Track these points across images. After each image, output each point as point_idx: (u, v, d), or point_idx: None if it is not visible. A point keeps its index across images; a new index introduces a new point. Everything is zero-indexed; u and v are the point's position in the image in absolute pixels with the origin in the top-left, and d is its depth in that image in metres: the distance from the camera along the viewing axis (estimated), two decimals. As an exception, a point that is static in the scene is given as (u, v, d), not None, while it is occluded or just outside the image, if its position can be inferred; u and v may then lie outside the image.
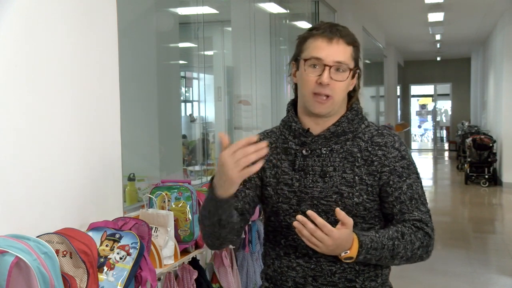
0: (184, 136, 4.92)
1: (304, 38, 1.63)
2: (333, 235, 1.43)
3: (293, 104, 1.71)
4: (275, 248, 1.68)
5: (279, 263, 1.66)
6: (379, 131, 1.65)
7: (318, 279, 1.60)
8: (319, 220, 1.43)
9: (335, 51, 1.57)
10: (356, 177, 1.59)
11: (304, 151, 1.63)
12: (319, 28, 1.61)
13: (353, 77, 1.63)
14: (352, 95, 1.68)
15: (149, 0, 3.89)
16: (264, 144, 1.40)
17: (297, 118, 1.66)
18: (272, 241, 1.70)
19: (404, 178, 1.60)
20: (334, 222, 1.53)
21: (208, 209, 1.53)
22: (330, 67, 1.56)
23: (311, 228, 1.43)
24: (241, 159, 1.39)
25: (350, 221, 1.45)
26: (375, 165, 1.60)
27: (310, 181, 1.60)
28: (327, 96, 1.57)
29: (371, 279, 1.62)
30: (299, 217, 1.44)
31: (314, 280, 1.60)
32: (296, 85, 1.68)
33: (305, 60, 1.60)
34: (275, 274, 1.67)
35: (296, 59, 1.65)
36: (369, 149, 1.61)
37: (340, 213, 1.45)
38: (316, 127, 1.64)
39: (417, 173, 1.65)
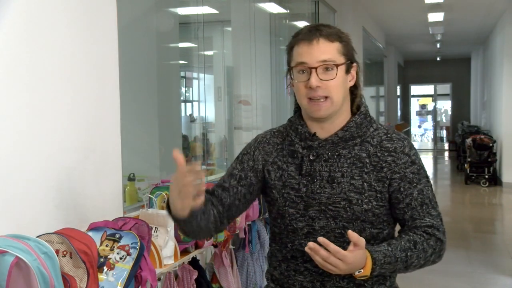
0: (185, 137, 4.91)
1: (290, 47, 1.61)
2: (347, 260, 1.42)
3: (299, 106, 1.69)
4: (282, 250, 1.66)
5: (285, 266, 1.64)
6: (388, 135, 1.62)
7: (327, 284, 1.58)
8: (332, 247, 1.42)
9: (317, 52, 1.54)
10: (365, 184, 1.56)
11: (311, 156, 1.60)
12: (300, 33, 1.59)
13: (347, 71, 1.59)
14: (355, 93, 1.65)
15: (149, 0, 3.89)
16: (198, 166, 1.40)
17: (303, 122, 1.64)
18: (278, 243, 1.68)
19: (415, 184, 1.58)
20: (342, 227, 1.54)
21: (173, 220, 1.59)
22: (316, 68, 1.53)
23: (324, 255, 1.42)
24: (183, 189, 1.42)
25: (363, 241, 1.44)
26: (385, 171, 1.57)
27: (317, 186, 1.58)
28: (326, 97, 1.55)
29: (379, 282, 1.62)
30: (311, 244, 1.43)
31: (322, 285, 1.59)
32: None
33: (292, 68, 1.59)
34: (281, 277, 1.66)
35: (288, 69, 1.63)
36: (378, 154, 1.58)
37: (353, 235, 1.43)
38: (322, 131, 1.61)
39: (427, 177, 1.63)
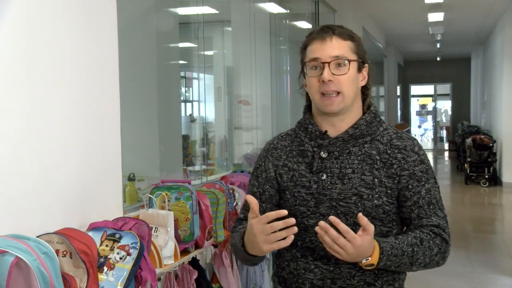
0: (185, 137, 4.91)
1: (303, 46, 1.66)
2: (355, 242, 1.42)
3: (309, 106, 1.72)
4: (291, 250, 1.66)
5: (295, 265, 1.65)
6: (398, 134, 1.65)
7: (337, 281, 1.59)
8: (342, 226, 1.42)
9: (329, 48, 1.59)
10: (376, 179, 1.58)
11: (322, 153, 1.62)
12: (313, 33, 1.65)
13: (359, 70, 1.64)
14: (366, 94, 1.69)
15: (149, 0, 3.89)
16: (292, 220, 1.42)
17: (313, 121, 1.67)
18: None
19: (423, 183, 1.60)
20: (353, 224, 1.54)
21: (240, 257, 1.66)
22: (329, 63, 1.57)
23: (334, 235, 1.42)
24: (271, 234, 1.44)
25: (372, 227, 1.44)
26: (394, 168, 1.59)
27: (328, 182, 1.60)
28: (338, 93, 1.58)
29: (389, 283, 1.62)
30: (322, 223, 1.43)
31: (333, 283, 1.59)
32: (307, 93, 1.69)
33: (305, 64, 1.62)
34: (290, 277, 1.66)
35: (302, 69, 1.67)
36: (388, 151, 1.61)
37: (362, 218, 1.43)
38: (332, 129, 1.64)
39: (435, 178, 1.64)
